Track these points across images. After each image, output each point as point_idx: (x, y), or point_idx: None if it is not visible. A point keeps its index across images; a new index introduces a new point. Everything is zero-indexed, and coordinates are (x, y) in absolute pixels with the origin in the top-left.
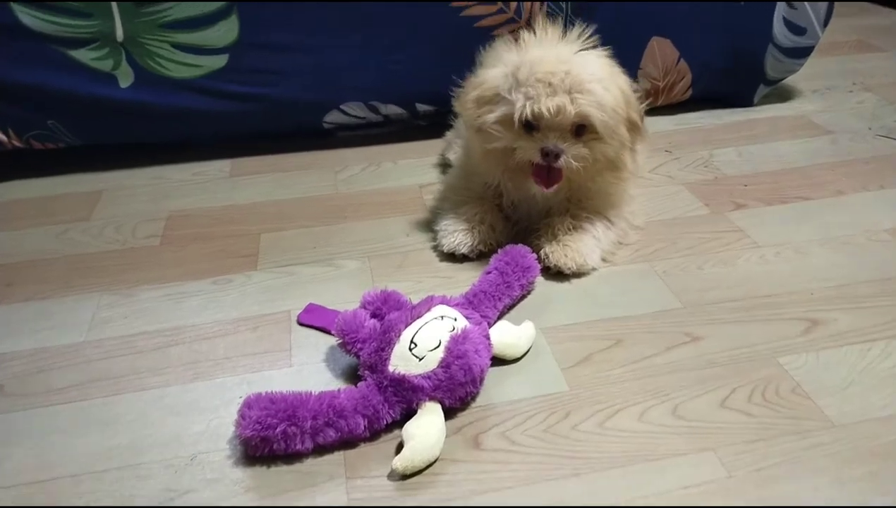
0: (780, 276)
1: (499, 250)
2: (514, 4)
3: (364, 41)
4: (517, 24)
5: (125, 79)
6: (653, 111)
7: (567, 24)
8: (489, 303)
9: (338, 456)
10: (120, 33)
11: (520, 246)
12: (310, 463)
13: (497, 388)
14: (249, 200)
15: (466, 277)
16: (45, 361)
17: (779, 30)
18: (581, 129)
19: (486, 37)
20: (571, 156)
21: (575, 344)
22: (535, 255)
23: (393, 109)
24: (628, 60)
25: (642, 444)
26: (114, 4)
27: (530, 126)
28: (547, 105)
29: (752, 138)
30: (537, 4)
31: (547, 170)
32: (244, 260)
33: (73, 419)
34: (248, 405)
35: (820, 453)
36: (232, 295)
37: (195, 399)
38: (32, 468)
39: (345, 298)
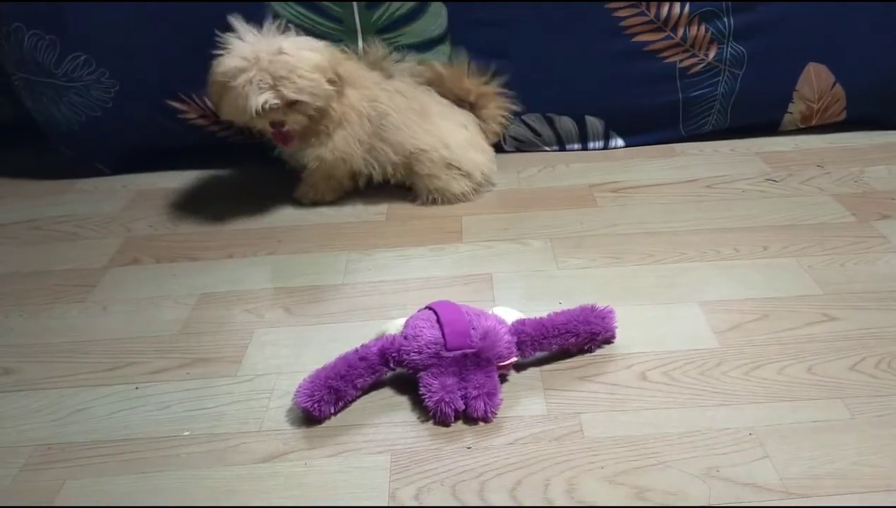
0: None
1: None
2: (681, 31)
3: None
4: (682, 47)
5: None
6: (807, 130)
7: (727, 45)
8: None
9: (536, 372)
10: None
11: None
12: (512, 380)
13: (659, 342)
14: None
15: (634, 259)
16: (316, 294)
17: None
18: (294, 102)
19: (653, 59)
20: (291, 122)
21: (727, 315)
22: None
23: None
24: (785, 82)
25: (780, 389)
26: (356, 19)
27: None
28: (257, 102)
29: None
30: (702, 30)
31: (281, 135)
32: (451, 235)
33: (361, 336)
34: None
35: None
36: (445, 259)
37: None
38: (319, 361)
39: (534, 268)
